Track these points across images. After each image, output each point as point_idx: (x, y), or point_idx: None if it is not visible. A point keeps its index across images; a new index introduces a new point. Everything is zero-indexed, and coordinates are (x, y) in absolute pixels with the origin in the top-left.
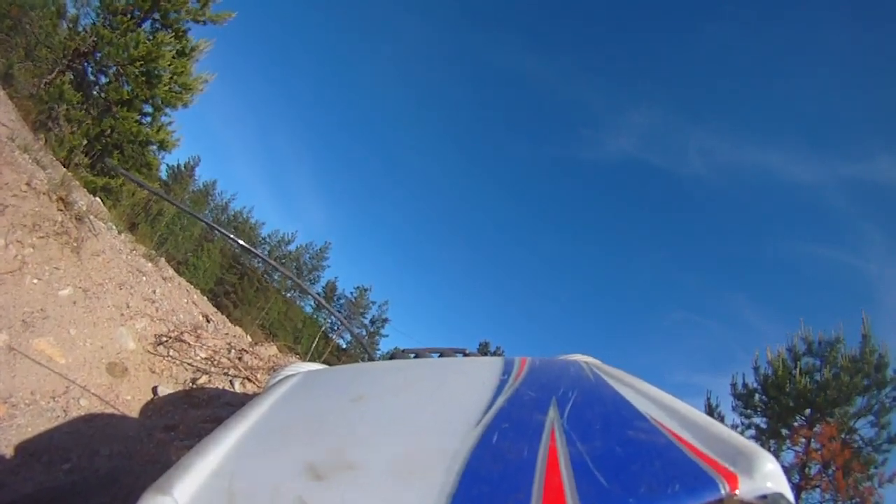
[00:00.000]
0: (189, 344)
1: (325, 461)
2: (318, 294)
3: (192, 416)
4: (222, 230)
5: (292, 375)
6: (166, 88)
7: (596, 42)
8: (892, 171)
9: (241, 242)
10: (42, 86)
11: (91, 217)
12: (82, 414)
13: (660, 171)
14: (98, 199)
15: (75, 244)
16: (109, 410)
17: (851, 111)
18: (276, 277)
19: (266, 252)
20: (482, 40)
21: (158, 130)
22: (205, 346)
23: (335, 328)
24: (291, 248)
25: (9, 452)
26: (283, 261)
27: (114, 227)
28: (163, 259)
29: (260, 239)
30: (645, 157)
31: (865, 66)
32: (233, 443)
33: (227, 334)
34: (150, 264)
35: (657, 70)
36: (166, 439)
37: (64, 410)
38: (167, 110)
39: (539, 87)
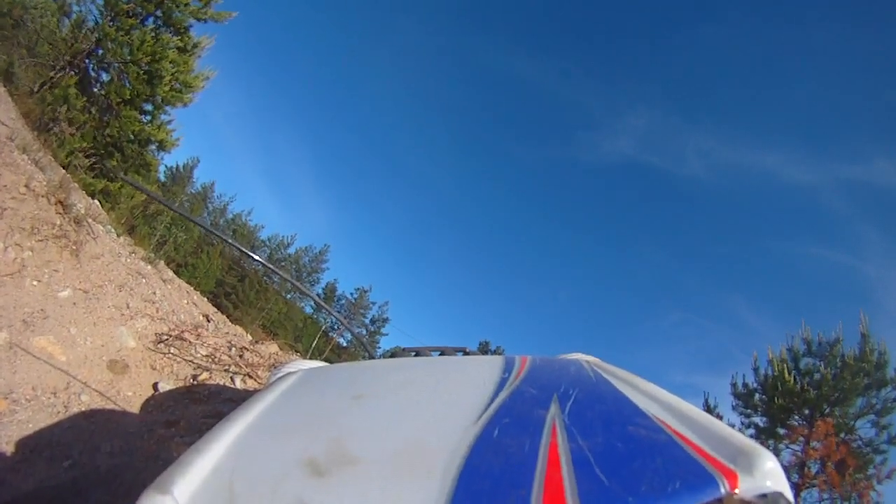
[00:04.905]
0: (189, 342)
1: (325, 458)
2: (318, 295)
3: (193, 412)
4: (221, 234)
5: (293, 372)
6: (168, 87)
7: (594, 45)
8: (889, 173)
9: (240, 247)
10: (44, 84)
11: (90, 220)
12: (83, 410)
13: (659, 173)
14: (97, 201)
15: (74, 247)
16: (110, 406)
17: (849, 113)
18: (275, 279)
19: (266, 255)
20: (482, 43)
21: (159, 129)
22: (205, 345)
23: (335, 327)
24: (291, 250)
25: (10, 448)
26: (283, 263)
27: (112, 230)
28: (162, 262)
29: (259, 242)
30: (644, 159)
31: (863, 68)
32: (233, 439)
33: (227, 333)
34: (149, 267)
35: (655, 72)
36: (167, 435)
37: (65, 406)
38: (167, 109)
39: (538, 90)
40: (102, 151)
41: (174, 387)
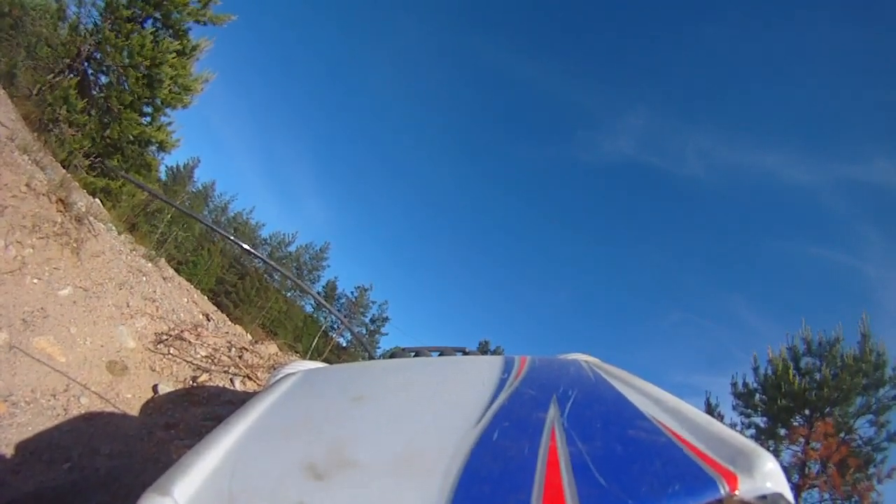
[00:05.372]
0: (189, 342)
1: (325, 460)
2: (319, 294)
3: (192, 415)
4: (222, 231)
5: (293, 374)
6: (167, 91)
7: (594, 45)
8: (889, 173)
9: (241, 244)
10: (44, 86)
11: (91, 218)
12: (82, 412)
13: (658, 173)
14: (98, 200)
15: (75, 245)
16: (110, 409)
17: (849, 113)
18: (276, 277)
19: (267, 253)
20: (481, 43)
21: (159, 129)
22: (205, 345)
23: (335, 327)
24: (292, 248)
25: (9, 451)
26: (284, 261)
27: (113, 227)
28: (163, 259)
29: (260, 240)
30: (643, 159)
31: (863, 68)
32: (233, 442)
33: (227, 333)
34: (149, 264)
35: (655, 72)
36: (167, 438)
37: (64, 409)
38: (167, 111)
39: (538, 90)
40: (102, 151)
41: (173, 389)
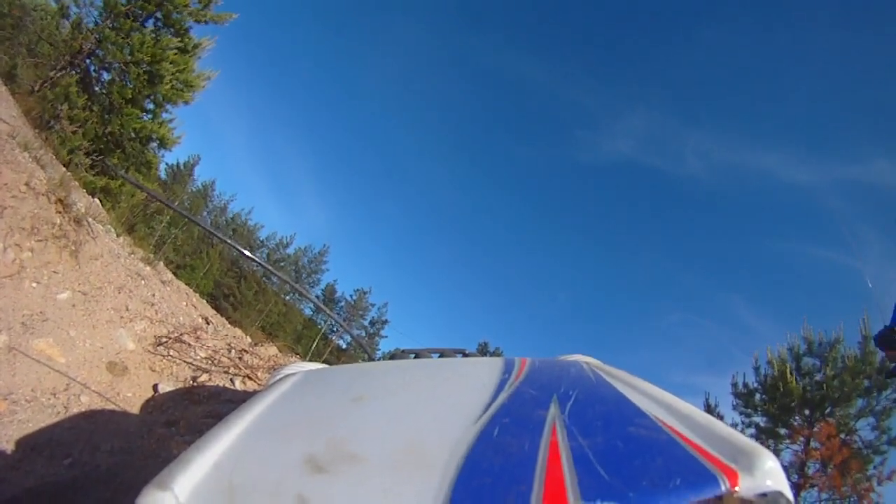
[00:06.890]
0: (189, 344)
1: (325, 455)
2: (317, 297)
3: (192, 413)
4: (220, 235)
5: (293, 374)
6: (168, 86)
7: (594, 45)
8: (889, 173)
9: (240, 248)
10: (45, 82)
11: (90, 219)
12: (83, 410)
13: (658, 173)
14: (97, 200)
15: (73, 248)
16: (110, 407)
17: (849, 113)
18: (274, 280)
19: (265, 255)
20: (481, 44)
21: (160, 126)
22: (205, 347)
23: (335, 330)
24: (290, 250)
25: (10, 447)
26: (282, 264)
27: (112, 229)
28: (161, 263)
29: (259, 241)
30: (643, 159)
31: (862, 69)
32: (233, 438)
33: (226, 335)
34: (148, 268)
35: (654, 73)
36: (167, 434)
37: (64, 407)
38: (168, 107)
39: (538, 91)
40: (103, 148)
41: (174, 388)
